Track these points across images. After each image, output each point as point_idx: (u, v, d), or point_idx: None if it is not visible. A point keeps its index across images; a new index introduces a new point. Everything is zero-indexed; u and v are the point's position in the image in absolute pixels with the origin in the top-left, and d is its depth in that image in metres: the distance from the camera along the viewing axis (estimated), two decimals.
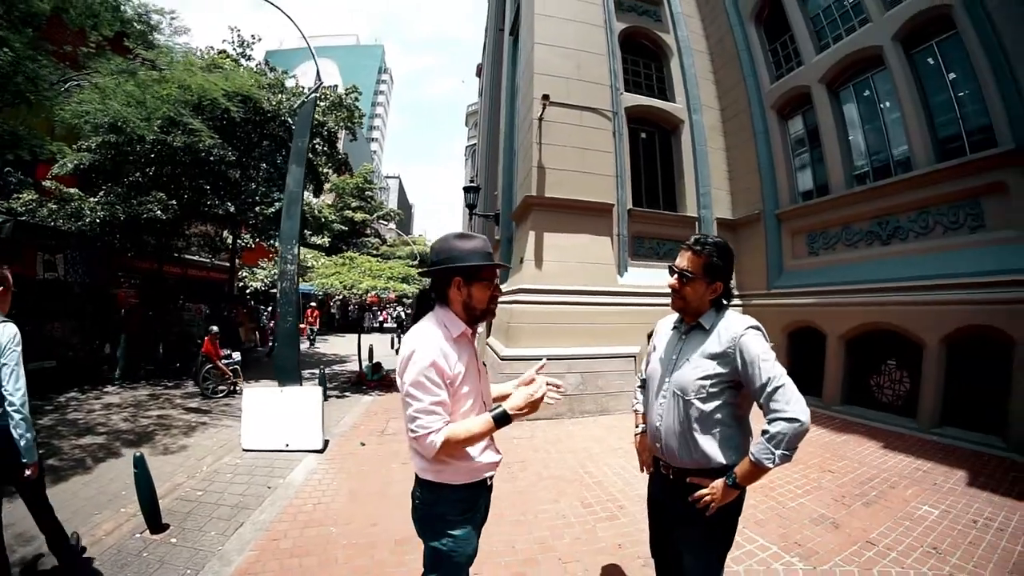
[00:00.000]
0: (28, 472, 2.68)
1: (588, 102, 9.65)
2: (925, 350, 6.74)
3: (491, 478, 1.93)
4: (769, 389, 1.69)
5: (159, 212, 9.78)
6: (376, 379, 10.92)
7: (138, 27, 9.67)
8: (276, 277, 21.12)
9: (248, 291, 21.90)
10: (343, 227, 22.61)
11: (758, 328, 1.83)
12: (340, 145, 14.25)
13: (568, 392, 7.94)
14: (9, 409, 2.56)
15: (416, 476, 1.87)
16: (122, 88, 8.97)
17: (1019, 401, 5.60)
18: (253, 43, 12.50)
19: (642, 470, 2.31)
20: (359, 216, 24.74)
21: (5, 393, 2.57)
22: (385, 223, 32.05)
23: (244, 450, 5.82)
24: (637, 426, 2.34)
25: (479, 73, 34.96)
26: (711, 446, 1.85)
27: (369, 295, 9.83)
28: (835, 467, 5.34)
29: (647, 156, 10.82)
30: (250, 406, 6.02)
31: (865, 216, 8.13)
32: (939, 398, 6.59)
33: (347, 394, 9.86)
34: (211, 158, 10.32)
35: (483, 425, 1.73)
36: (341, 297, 9.91)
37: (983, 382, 6.18)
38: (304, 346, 17.34)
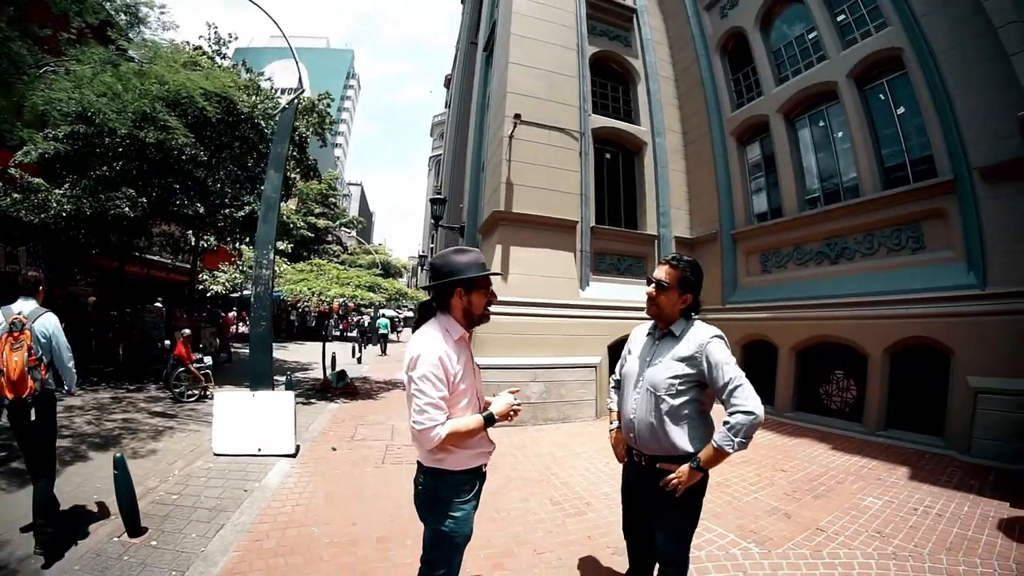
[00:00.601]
0: (71, 391, 3.73)
1: (557, 122, 9.94)
2: (870, 360, 7.30)
3: (485, 465, 2.16)
4: (731, 387, 1.99)
5: (127, 209, 9.45)
6: (341, 387, 10.83)
7: (124, 18, 9.31)
8: (237, 281, 20.77)
9: (208, 294, 21.32)
10: (308, 233, 22.37)
11: (721, 337, 2.15)
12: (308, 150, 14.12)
13: (532, 400, 8.18)
14: (68, 376, 3.58)
15: (419, 464, 2.07)
16: (99, 78, 8.63)
17: (956, 404, 6.20)
18: (229, 41, 12.27)
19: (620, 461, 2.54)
20: (322, 223, 24.44)
21: (62, 364, 3.48)
22: (347, 231, 31.71)
23: (215, 454, 5.75)
24: (612, 423, 2.58)
25: (447, 84, 35.10)
26: (678, 436, 2.12)
27: (334, 302, 9.80)
28: (787, 466, 5.74)
29: (611, 176, 11.21)
30: (222, 410, 5.93)
31: (816, 237, 8.72)
32: (883, 403, 7.16)
33: (313, 401, 9.77)
34: (183, 157, 10.06)
35: (476, 423, 1.97)
36: (309, 305, 9.80)
37: (924, 388, 6.77)
38: None
